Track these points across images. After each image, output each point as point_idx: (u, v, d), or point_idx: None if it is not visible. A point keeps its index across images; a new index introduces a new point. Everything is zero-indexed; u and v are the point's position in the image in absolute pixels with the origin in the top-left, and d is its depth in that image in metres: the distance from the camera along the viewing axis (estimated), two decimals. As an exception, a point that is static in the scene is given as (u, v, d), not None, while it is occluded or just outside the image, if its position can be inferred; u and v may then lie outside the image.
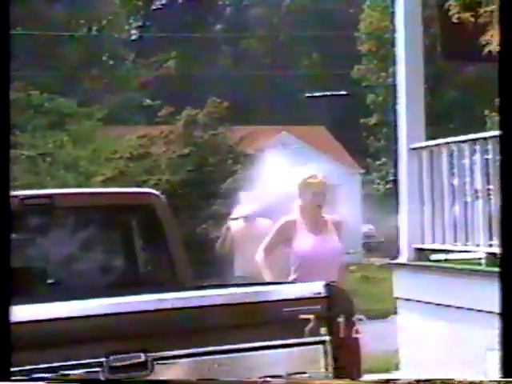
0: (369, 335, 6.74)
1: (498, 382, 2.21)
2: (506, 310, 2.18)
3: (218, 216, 23.55)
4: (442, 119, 29.95)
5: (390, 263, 8.65)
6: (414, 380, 2.69)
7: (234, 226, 9.72)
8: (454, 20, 6.27)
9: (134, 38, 49.07)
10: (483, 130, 10.25)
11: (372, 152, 37.17)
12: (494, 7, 5.89)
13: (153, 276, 5.60)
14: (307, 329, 3.64)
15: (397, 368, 8.18)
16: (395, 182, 8.93)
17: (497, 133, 7.50)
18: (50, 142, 25.40)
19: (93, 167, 25.27)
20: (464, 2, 6.06)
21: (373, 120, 36.01)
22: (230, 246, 9.57)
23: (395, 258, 8.41)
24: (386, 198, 33.49)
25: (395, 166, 8.91)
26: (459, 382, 2.54)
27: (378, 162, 35.94)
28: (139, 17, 50.29)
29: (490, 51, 6.09)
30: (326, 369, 3.72)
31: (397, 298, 8.25)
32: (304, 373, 3.68)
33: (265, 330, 3.61)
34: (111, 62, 42.85)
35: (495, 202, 7.01)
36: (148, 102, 30.68)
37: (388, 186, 33.90)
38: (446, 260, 7.94)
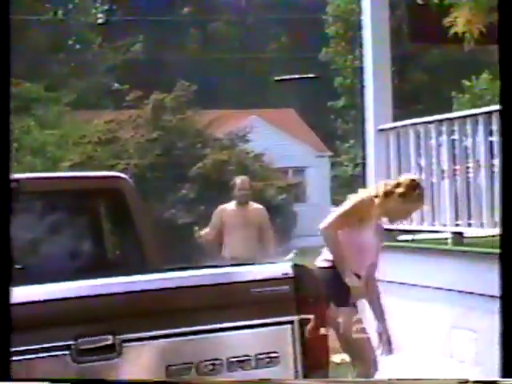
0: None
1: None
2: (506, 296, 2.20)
3: (187, 200, 23.57)
4: (410, 101, 30.07)
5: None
6: (415, 379, 2.72)
7: (227, 208, 9.74)
8: (420, 2, 6.30)
9: (100, 21, 48.66)
10: (450, 111, 10.33)
11: (340, 134, 37.25)
12: (459, -12, 5.94)
13: (121, 260, 5.60)
14: (276, 309, 3.67)
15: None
16: (363, 164, 8.98)
17: (462, 113, 7.57)
18: (17, 127, 25.22)
19: (60, 152, 25.15)
20: (429, -16, 6.11)
21: (341, 102, 36.07)
22: (221, 229, 9.60)
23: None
24: (354, 179, 33.65)
25: (363, 147, 8.96)
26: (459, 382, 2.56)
27: (346, 145, 36.03)
28: (106, 0, 49.91)
29: (455, 33, 6.13)
30: (295, 348, 3.76)
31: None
32: (274, 352, 3.71)
33: (233, 310, 3.63)
34: (78, 47, 42.55)
35: (461, 182, 7.08)
36: (116, 86, 30.54)
37: (357, 168, 34.05)
38: (413, 240, 8.01)
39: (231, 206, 9.82)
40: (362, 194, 5.93)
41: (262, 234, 9.60)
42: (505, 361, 2.34)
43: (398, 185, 5.76)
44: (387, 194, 5.70)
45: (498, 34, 2.21)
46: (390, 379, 2.80)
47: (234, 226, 9.52)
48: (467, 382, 2.51)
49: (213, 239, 9.76)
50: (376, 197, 5.75)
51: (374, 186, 6.12)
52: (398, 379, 2.87)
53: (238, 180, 10.02)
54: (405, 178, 5.94)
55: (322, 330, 3.83)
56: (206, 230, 9.86)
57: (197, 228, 9.84)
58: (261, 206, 9.83)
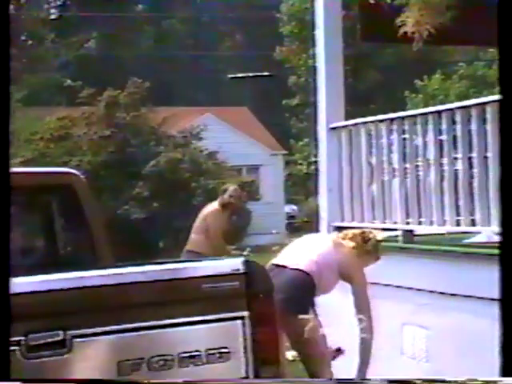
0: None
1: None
2: (506, 299, 2.25)
3: (140, 198, 23.49)
4: (363, 100, 30.32)
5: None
6: (417, 379, 2.75)
7: (209, 207, 9.87)
8: (371, 1, 6.37)
9: (53, 17, 48.25)
10: (404, 110, 10.41)
11: (294, 133, 37.40)
12: (409, -11, 6.03)
13: (73, 256, 5.58)
14: (226, 304, 3.70)
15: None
16: (316, 162, 9.05)
17: (412, 112, 7.66)
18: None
19: (12, 149, 24.77)
20: (380, -17, 6.18)
21: (295, 101, 36.22)
22: (199, 224, 9.69)
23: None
24: (308, 178, 33.80)
25: (316, 146, 9.02)
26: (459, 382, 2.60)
27: (300, 143, 36.17)
28: (59, -4, 49.49)
29: (404, 32, 6.21)
30: (246, 344, 3.79)
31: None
32: (225, 347, 3.75)
33: (184, 306, 3.66)
34: (30, 42, 42.12)
35: (411, 180, 7.17)
36: (69, 82, 30.27)
37: (311, 167, 34.20)
38: (364, 238, 8.08)
39: (214, 205, 9.96)
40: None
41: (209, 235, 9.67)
42: (505, 361, 2.29)
43: (350, 237, 6.07)
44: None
45: (498, 30, 2.24)
46: (391, 379, 2.82)
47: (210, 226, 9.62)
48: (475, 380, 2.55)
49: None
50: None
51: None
52: (399, 379, 2.89)
53: (232, 187, 10.26)
54: (353, 232, 6.18)
55: (273, 327, 3.87)
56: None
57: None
58: (211, 209, 9.89)
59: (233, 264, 3.81)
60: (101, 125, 24.76)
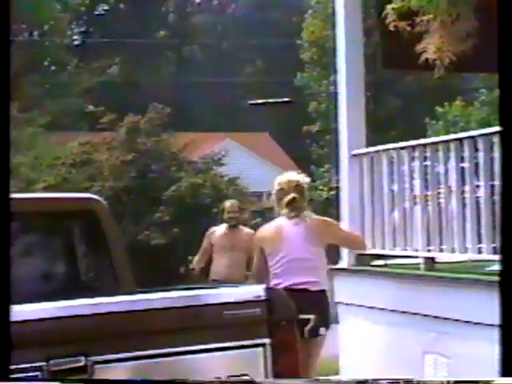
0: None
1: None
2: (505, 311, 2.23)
3: (161, 223, 23.51)
4: (384, 126, 30.30)
5: (331, 268, 8.74)
6: (416, 380, 2.75)
7: (217, 231, 9.78)
8: (391, 28, 6.37)
9: (76, 43, 48.68)
10: (424, 137, 10.39)
11: (315, 159, 37.37)
12: (430, 16, 6.02)
13: (94, 282, 5.59)
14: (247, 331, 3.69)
15: (336, 373, 8.26)
16: (337, 188, 9.03)
17: (434, 139, 7.65)
18: (-10, 148, 25.07)
19: (34, 174, 25.04)
20: (400, 11, 6.17)
21: (315, 127, 36.23)
22: (210, 252, 9.64)
23: (337, 263, 8.50)
24: (329, 203, 33.68)
25: (337, 172, 9.01)
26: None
27: (321, 169, 36.13)
28: (82, 22, 49.94)
29: (426, 59, 6.20)
30: (266, 371, 3.78)
31: (338, 303, 8.33)
32: (246, 375, 3.73)
33: (205, 332, 3.65)
34: (53, 68, 42.47)
35: (433, 207, 7.14)
36: (90, 108, 30.47)
37: (331, 193, 34.12)
38: (385, 265, 8.05)
39: (221, 228, 9.86)
40: None
41: (250, 259, 9.60)
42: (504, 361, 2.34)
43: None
44: None
45: (498, 55, 2.25)
46: (392, 380, 2.80)
47: (221, 249, 9.56)
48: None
49: (204, 266, 9.79)
50: None
51: None
52: (400, 379, 2.88)
53: (228, 203, 10.08)
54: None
55: (293, 353, 3.85)
56: (197, 258, 9.88)
57: (190, 258, 9.89)
58: (251, 231, 9.71)
59: (254, 291, 3.81)
60: (122, 150, 24.87)
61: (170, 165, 25.28)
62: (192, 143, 26.18)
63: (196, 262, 9.95)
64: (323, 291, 6.22)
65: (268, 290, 3.87)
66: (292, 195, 6.16)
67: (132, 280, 5.36)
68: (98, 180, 24.13)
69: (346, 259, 8.27)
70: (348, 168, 8.37)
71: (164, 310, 3.62)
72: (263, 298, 3.78)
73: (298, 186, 6.28)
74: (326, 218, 6.58)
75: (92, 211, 5.30)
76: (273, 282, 6.08)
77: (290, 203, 6.16)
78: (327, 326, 6.16)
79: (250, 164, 30.76)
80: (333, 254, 7.75)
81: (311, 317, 5.86)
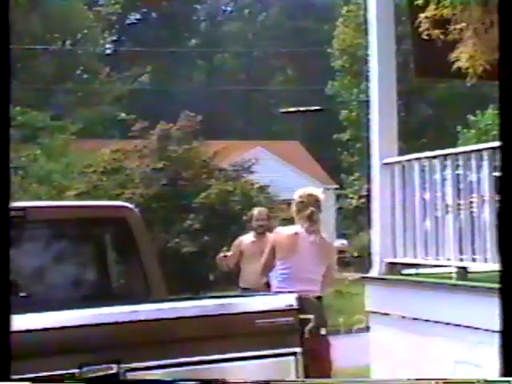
0: (341, 349, 6.79)
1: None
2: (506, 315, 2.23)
3: (191, 230, 23.55)
4: (415, 135, 30.17)
5: (362, 277, 8.69)
6: (415, 379, 2.76)
7: (245, 239, 9.78)
8: (425, 37, 6.34)
9: (108, 52, 49.01)
10: (455, 145, 10.36)
11: (345, 167, 37.30)
12: (463, 25, 5.98)
13: (126, 289, 5.61)
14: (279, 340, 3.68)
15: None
16: (368, 196, 9.00)
17: (466, 148, 7.60)
18: (23, 155, 25.29)
19: (66, 181, 25.20)
20: (434, 19, 6.14)
21: (346, 135, 36.18)
22: (238, 259, 9.65)
23: (368, 272, 8.46)
24: (359, 212, 33.60)
25: (368, 181, 8.98)
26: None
27: (351, 177, 36.06)
28: (114, 31, 50.27)
29: (459, 68, 6.16)
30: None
31: (369, 312, 8.29)
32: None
33: (237, 341, 3.64)
34: (85, 76, 42.78)
35: (465, 216, 7.09)
36: (122, 116, 30.64)
37: (361, 201, 34.03)
38: (417, 274, 8.00)
39: (249, 237, 9.84)
40: None
41: None
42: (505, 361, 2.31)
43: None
44: None
45: (498, 71, 2.24)
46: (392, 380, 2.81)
47: (250, 257, 9.52)
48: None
49: (233, 267, 9.78)
50: None
51: None
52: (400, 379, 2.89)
53: (256, 211, 10.06)
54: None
55: (326, 362, 3.83)
56: (231, 253, 9.84)
57: (225, 248, 9.82)
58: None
59: (286, 300, 3.79)
60: (153, 158, 24.94)
61: (201, 173, 25.32)
62: (222, 151, 26.21)
63: (230, 255, 9.88)
64: (320, 297, 6.41)
65: (300, 298, 3.84)
66: (312, 209, 6.60)
67: (163, 287, 5.36)
68: (128, 187, 24.22)
69: (376, 268, 8.23)
70: (379, 176, 8.33)
71: (195, 318, 3.62)
72: (295, 306, 3.77)
73: (317, 202, 6.73)
74: (331, 240, 7.14)
75: (124, 219, 5.32)
76: (277, 286, 6.42)
77: (310, 217, 6.58)
78: (326, 327, 6.24)
79: (281, 172, 30.75)
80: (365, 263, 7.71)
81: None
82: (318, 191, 6.97)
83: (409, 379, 3.05)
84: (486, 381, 2.79)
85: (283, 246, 6.60)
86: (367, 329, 8.54)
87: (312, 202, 6.68)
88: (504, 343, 2.39)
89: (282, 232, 6.82)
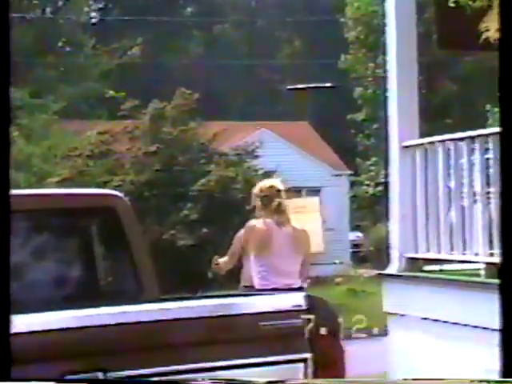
0: (358, 354, 6.78)
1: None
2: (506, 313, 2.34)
3: (188, 221, 23.57)
4: (438, 114, 30.15)
5: (379, 274, 8.68)
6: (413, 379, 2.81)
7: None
8: (451, 4, 6.30)
9: (94, 21, 48.95)
10: (484, 126, 10.32)
11: (361, 151, 37.30)
12: (495, -10, 5.95)
13: (114, 288, 5.60)
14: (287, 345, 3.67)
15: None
16: (386, 184, 8.99)
17: (497, 129, 7.57)
18: (-1, 137, 25.27)
19: (47, 166, 25.22)
20: (461, -16, 6.11)
21: (361, 115, 36.16)
22: (239, 255, 9.74)
23: (386, 268, 8.45)
24: (375, 201, 33.61)
25: (386, 166, 8.96)
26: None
27: (367, 162, 36.05)
28: (100, -2, 50.24)
29: (487, 39, 6.12)
30: (307, 390, 3.75)
31: (387, 313, 8.29)
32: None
33: (238, 346, 3.63)
34: (68, 49, 42.75)
35: (496, 205, 7.07)
36: (110, 93, 30.59)
37: (378, 189, 34.03)
38: (441, 271, 7.99)
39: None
40: None
41: None
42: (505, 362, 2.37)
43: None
44: None
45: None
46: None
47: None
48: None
49: (228, 267, 9.81)
50: None
51: None
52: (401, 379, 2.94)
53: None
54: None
55: (340, 370, 3.82)
56: (225, 259, 9.88)
57: (216, 256, 9.86)
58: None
59: (294, 299, 3.78)
60: (145, 140, 24.93)
61: (199, 157, 25.32)
62: (223, 133, 26.19)
63: (224, 262, 9.92)
64: (301, 288, 6.96)
65: (309, 298, 3.83)
66: (279, 200, 7.14)
67: (156, 286, 5.36)
68: (118, 174, 24.22)
69: (395, 264, 8.23)
70: (398, 161, 8.31)
71: (192, 320, 3.60)
72: (304, 307, 3.75)
73: (279, 192, 7.25)
74: (306, 230, 7.43)
75: (112, 208, 5.30)
76: (258, 283, 7.11)
77: (278, 208, 7.12)
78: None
79: (288, 156, 30.71)
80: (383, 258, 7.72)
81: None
82: (277, 182, 7.64)
83: (405, 379, 3.06)
84: (486, 381, 2.79)
85: (257, 243, 7.20)
86: (385, 332, 8.55)
87: (275, 193, 7.21)
88: (504, 343, 2.42)
89: (254, 227, 7.34)
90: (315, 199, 7.80)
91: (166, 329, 3.56)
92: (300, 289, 6.93)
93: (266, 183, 7.55)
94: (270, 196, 7.20)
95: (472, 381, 2.67)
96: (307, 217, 7.57)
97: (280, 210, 7.14)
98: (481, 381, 2.68)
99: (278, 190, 7.27)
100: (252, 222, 7.49)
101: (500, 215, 2.42)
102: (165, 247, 22.04)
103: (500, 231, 2.37)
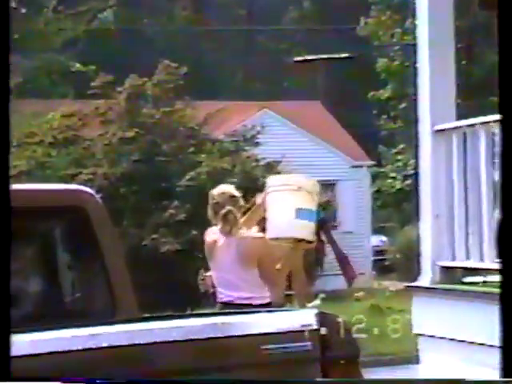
0: None
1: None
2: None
3: (174, 223, 23.62)
4: (481, 91, 30.14)
5: (408, 287, 8.71)
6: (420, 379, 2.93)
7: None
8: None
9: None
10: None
11: (385, 136, 37.34)
12: None
13: (83, 305, 5.61)
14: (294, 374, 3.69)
15: None
16: (416, 176, 9.01)
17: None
18: None
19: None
20: None
21: (386, 93, 36.18)
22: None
23: (415, 280, 8.48)
24: (403, 198, 33.69)
25: (416, 154, 8.99)
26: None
27: (393, 150, 36.12)
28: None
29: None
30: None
31: (418, 336, 8.32)
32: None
33: (235, 374, 3.65)
34: (24, 10, 42.74)
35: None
36: (77, 66, 30.64)
37: (407, 183, 34.11)
38: (484, 283, 8.01)
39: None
40: None
41: (295, 272, 9.67)
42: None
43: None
44: None
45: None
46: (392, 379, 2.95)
47: None
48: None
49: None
50: None
51: None
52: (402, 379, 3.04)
53: (260, 199, 10.09)
54: None
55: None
56: (211, 273, 9.92)
57: (202, 270, 9.92)
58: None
59: (303, 317, 3.80)
60: (121, 124, 24.99)
61: (187, 145, 25.38)
62: (216, 115, 26.25)
63: (210, 277, 9.98)
64: (266, 305, 7.49)
65: (321, 316, 3.85)
66: (229, 208, 7.72)
67: (134, 302, 5.37)
68: (87, 165, 24.28)
69: (428, 274, 8.25)
70: (431, 148, 8.33)
71: (179, 343, 3.62)
72: (315, 327, 3.77)
73: (232, 199, 7.87)
74: (260, 236, 7.82)
75: (81, 208, 5.31)
76: (218, 296, 7.90)
77: (224, 217, 7.73)
78: None
79: (296, 143, 30.75)
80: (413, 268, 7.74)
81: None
82: (230, 188, 8.30)
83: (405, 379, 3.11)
84: (486, 381, 2.78)
85: (207, 250, 8.04)
86: (416, 359, 8.58)
87: (227, 200, 7.86)
88: (504, 343, 2.66)
89: (206, 236, 8.16)
90: (313, 181, 7.78)
91: (146, 354, 3.59)
92: (265, 305, 7.47)
93: (218, 189, 8.19)
94: (220, 203, 7.86)
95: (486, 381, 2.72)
96: (297, 197, 7.57)
97: (226, 218, 7.74)
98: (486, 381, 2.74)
99: (231, 196, 7.91)
100: (208, 230, 8.22)
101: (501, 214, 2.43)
102: (146, 254, 22.10)
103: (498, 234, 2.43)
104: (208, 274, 9.91)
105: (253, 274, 7.79)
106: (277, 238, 7.75)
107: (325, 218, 10.20)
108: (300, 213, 7.75)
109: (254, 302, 7.57)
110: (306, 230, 7.73)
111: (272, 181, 8.25)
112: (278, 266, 7.83)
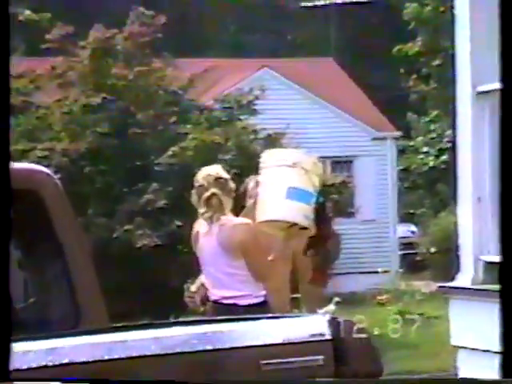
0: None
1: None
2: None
3: (152, 210, 23.64)
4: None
5: (442, 287, 8.74)
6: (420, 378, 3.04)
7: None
8: None
9: None
10: None
11: (414, 101, 37.34)
12: None
13: (40, 311, 5.64)
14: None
15: None
16: (454, 150, 9.02)
17: None
18: None
19: None
20: None
21: (415, 47, 36.15)
22: None
23: (453, 279, 8.51)
24: (438, 178, 33.71)
25: (454, 123, 9.00)
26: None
27: (425, 118, 36.13)
28: None
29: None
30: None
31: (457, 348, 8.35)
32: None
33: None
34: None
35: None
36: (27, 14, 30.47)
37: (442, 158, 34.13)
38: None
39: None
40: None
41: (297, 269, 9.78)
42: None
43: None
44: None
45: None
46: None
47: None
48: None
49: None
50: None
51: None
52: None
53: (252, 182, 10.16)
54: None
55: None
56: (198, 285, 10.01)
57: (188, 281, 10.03)
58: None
59: (313, 325, 3.82)
60: (85, 88, 25.00)
61: (167, 113, 25.39)
62: (204, 76, 26.28)
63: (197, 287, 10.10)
64: (258, 304, 7.77)
65: (336, 323, 3.88)
66: (213, 191, 7.99)
67: (103, 308, 5.40)
68: (42, 139, 24.29)
69: (469, 272, 8.28)
70: (472, 116, 8.36)
71: (159, 357, 3.65)
72: (329, 336, 3.79)
73: (218, 181, 8.07)
74: (245, 222, 8.05)
75: (34, 192, 5.34)
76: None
77: (207, 201, 8.01)
78: None
79: (304, 111, 30.76)
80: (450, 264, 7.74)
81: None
82: (217, 168, 8.48)
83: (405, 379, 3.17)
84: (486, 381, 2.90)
85: (192, 243, 8.31)
86: (455, 375, 8.63)
87: (212, 182, 8.07)
88: (504, 343, 2.78)
89: (196, 225, 8.34)
90: (313, 158, 7.87)
91: (118, 371, 3.61)
92: (257, 305, 7.77)
93: (203, 171, 8.39)
94: (205, 187, 8.09)
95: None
96: (290, 174, 7.68)
97: (210, 204, 7.99)
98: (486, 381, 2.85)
99: (218, 179, 8.11)
100: (197, 221, 8.40)
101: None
102: (117, 250, 22.13)
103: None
104: (194, 289, 10.01)
105: (239, 267, 7.93)
106: (265, 221, 7.93)
107: (325, 204, 10.22)
108: (292, 192, 7.83)
109: (240, 302, 7.82)
110: (298, 212, 7.84)
111: (266, 156, 8.40)
112: (271, 257, 7.92)
